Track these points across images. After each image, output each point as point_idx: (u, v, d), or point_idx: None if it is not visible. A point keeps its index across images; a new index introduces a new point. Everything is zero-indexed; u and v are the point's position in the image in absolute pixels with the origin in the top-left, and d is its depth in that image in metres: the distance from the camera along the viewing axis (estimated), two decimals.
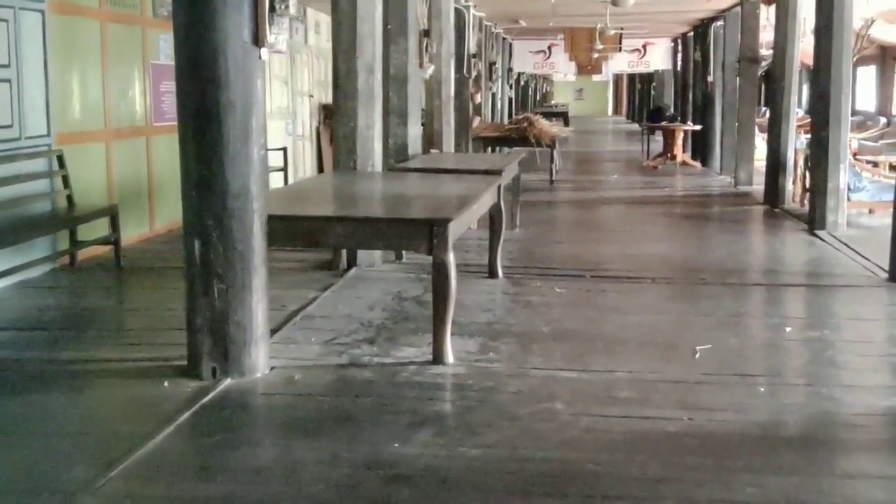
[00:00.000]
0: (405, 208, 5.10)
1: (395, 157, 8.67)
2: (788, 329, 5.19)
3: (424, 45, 8.84)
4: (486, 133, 13.54)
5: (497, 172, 6.96)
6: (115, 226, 6.90)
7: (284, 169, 11.18)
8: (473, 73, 13.04)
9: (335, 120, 6.73)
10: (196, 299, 4.24)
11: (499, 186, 6.45)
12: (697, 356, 4.65)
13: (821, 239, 8.19)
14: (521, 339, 5.00)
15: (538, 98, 39.08)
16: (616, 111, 51.11)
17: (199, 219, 4.18)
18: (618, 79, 46.74)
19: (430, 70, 9.02)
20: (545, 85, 45.52)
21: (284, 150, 11.19)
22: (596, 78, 44.66)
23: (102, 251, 7.07)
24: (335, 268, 6.66)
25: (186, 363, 4.33)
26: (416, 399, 4.02)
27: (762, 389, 4.14)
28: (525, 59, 22.20)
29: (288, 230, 4.47)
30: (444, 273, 4.42)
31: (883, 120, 17.15)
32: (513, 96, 22.18)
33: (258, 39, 4.18)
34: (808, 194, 10.41)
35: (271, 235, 4.38)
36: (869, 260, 7.12)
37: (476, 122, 13.31)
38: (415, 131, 8.77)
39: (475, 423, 3.74)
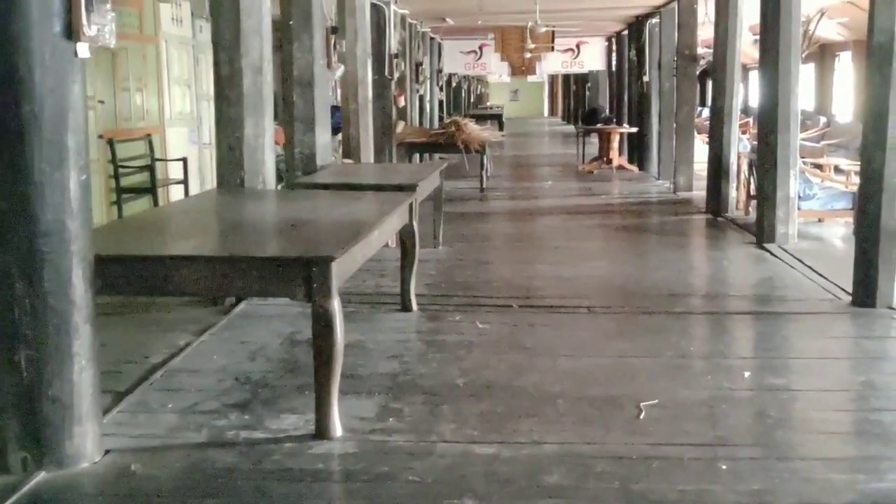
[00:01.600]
0: (280, 242, 4.13)
1: (303, 168, 7.76)
2: (747, 374, 4.38)
3: (332, 42, 7.92)
4: (411, 139, 12.63)
5: (410, 188, 6.07)
6: None
7: (185, 182, 10.13)
8: (396, 75, 12.13)
9: (218, 130, 5.76)
10: None
11: (411, 204, 5.55)
12: (642, 416, 3.81)
13: (771, 254, 7.45)
14: (431, 396, 4.10)
15: (472, 100, 38.31)
16: (552, 112, 50.66)
17: None
18: (553, 79, 46.27)
19: (340, 71, 8.10)
20: (480, 86, 44.81)
21: (184, 160, 10.15)
22: (531, 79, 44.27)
23: None
24: (220, 303, 5.69)
25: None
26: (284, 498, 3.09)
27: (724, 467, 3.30)
28: (455, 60, 21.37)
29: (123, 275, 3.50)
30: (328, 327, 3.51)
31: (823, 119, 16.69)
32: (443, 98, 21.31)
33: (72, 32, 3.20)
34: (752, 201, 9.74)
35: (103, 283, 3.41)
36: (827, 279, 6.38)
37: (400, 126, 12.40)
38: (323, 139, 7.84)
39: None
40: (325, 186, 6.18)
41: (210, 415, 3.84)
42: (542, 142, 26.87)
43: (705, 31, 12.52)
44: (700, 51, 12.96)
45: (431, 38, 18.66)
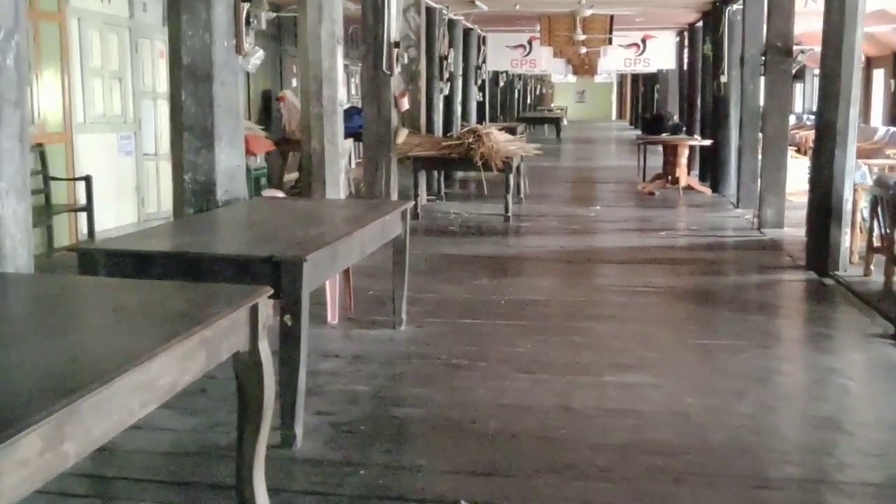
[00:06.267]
0: None
1: (195, 204, 5.17)
2: None
3: (245, 15, 5.24)
4: (419, 152, 9.90)
5: (289, 265, 3.35)
6: None
7: (88, 209, 7.55)
8: (397, 69, 9.41)
9: None
10: None
11: (256, 307, 2.80)
12: None
13: None
14: None
15: (530, 101, 35.41)
16: (620, 115, 47.54)
17: None
18: (622, 79, 43.18)
19: (257, 58, 5.41)
20: (541, 86, 41.93)
21: (87, 179, 7.57)
22: (598, 79, 41.23)
23: None
24: None
25: None
26: None
27: None
28: (501, 56, 18.56)
29: None
30: None
31: None
32: (484, 99, 18.47)
33: None
34: (875, 255, 6.82)
35: None
36: None
37: (402, 136, 9.70)
38: (230, 160, 5.24)
39: None
40: (143, 257, 3.48)
41: None
42: (602, 150, 23.89)
43: (803, 24, 9.62)
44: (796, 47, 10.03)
45: (469, 29, 15.90)
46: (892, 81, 17.51)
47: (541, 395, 4.19)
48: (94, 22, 8.10)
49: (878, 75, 17.44)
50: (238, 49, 5.18)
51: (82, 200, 7.60)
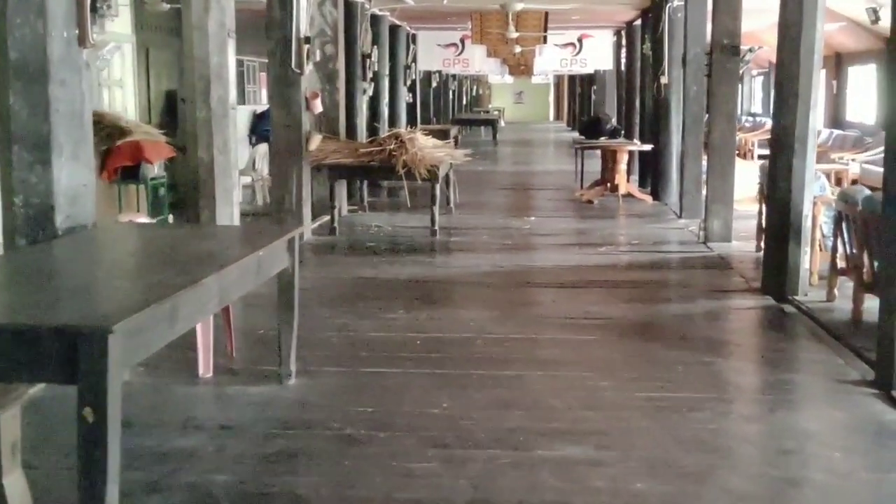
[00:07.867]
0: None
1: (27, 234, 4.21)
2: None
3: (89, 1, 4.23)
4: (334, 159, 8.93)
5: (87, 336, 2.39)
6: None
7: None
8: (308, 68, 8.44)
9: None
10: None
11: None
12: None
13: None
14: None
15: (466, 102, 34.55)
16: (558, 116, 47.04)
17: None
18: (559, 80, 42.64)
19: (108, 52, 4.42)
20: (478, 87, 41.16)
21: None
22: (536, 80, 40.60)
23: None
24: None
25: None
26: None
27: None
28: (432, 55, 17.68)
29: None
30: None
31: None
32: (415, 101, 17.52)
33: None
34: (840, 278, 6.08)
35: None
36: None
37: (315, 142, 8.73)
38: (73, 177, 4.34)
39: None
40: None
41: None
42: (539, 152, 23.12)
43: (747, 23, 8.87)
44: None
45: (396, 26, 14.96)
46: (835, 83, 17.08)
47: (453, 482, 3.27)
48: None
49: (820, 76, 17.00)
50: (82, 41, 4.17)
51: None
